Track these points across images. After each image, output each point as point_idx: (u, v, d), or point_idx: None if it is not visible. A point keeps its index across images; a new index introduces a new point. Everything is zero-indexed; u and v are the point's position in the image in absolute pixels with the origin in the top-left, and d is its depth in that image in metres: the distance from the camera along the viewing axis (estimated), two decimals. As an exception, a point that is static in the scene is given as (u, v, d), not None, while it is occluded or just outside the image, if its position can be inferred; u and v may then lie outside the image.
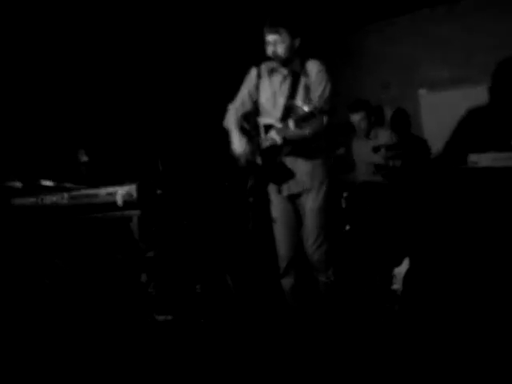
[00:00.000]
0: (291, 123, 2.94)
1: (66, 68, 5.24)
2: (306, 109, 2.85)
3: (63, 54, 5.21)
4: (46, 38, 5.04)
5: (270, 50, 3.21)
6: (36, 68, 5.06)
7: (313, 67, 3.23)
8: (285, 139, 3.13)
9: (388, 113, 6.02)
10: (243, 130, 3.49)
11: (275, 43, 3.17)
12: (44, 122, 5.04)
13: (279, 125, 3.11)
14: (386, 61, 6.12)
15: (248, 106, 3.45)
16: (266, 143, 3.24)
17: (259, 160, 3.28)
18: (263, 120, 3.33)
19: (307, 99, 3.13)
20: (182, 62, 6.00)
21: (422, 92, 5.94)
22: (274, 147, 3.21)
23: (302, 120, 2.90)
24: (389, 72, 6.11)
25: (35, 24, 4.89)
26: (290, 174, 3.30)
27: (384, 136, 4.94)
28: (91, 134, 5.15)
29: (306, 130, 3.03)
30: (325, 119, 3.00)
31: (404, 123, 5.81)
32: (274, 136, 3.14)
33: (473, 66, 5.47)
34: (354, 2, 5.58)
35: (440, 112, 5.73)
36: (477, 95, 5.34)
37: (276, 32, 3.15)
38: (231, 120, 3.48)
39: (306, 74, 3.21)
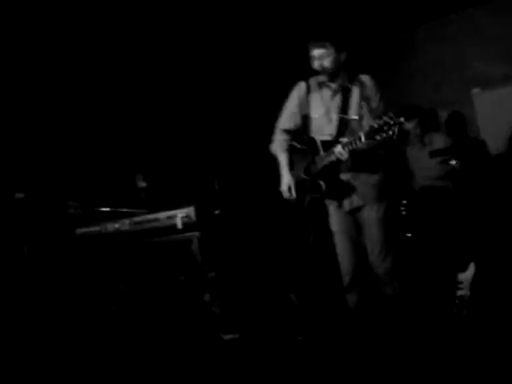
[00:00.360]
0: (362, 136, 2.90)
1: (123, 95, 5.39)
2: (374, 125, 2.82)
3: (120, 79, 5.36)
4: (106, 62, 5.20)
5: (316, 64, 3.20)
6: (92, 95, 5.23)
7: (365, 81, 3.23)
8: (352, 152, 3.08)
9: (442, 115, 5.87)
10: (294, 150, 3.52)
11: (321, 57, 3.16)
12: (102, 150, 5.19)
13: (346, 139, 3.07)
14: (436, 61, 6.00)
15: (297, 121, 3.45)
16: (328, 159, 3.18)
17: (318, 177, 3.27)
18: (321, 137, 3.29)
19: (360, 113, 3.12)
20: (233, 83, 6.07)
21: (476, 91, 5.79)
22: (333, 164, 3.19)
23: (374, 132, 2.85)
24: (440, 72, 5.98)
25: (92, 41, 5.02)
26: (349, 190, 3.27)
27: (439, 140, 4.85)
28: (148, 160, 5.26)
29: (376, 142, 2.92)
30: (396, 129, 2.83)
31: (459, 126, 5.65)
32: (341, 150, 3.06)
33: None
34: (405, 3, 5.48)
35: (495, 110, 5.57)
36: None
37: (322, 46, 3.14)
38: (277, 145, 3.54)
39: (358, 87, 3.20)
